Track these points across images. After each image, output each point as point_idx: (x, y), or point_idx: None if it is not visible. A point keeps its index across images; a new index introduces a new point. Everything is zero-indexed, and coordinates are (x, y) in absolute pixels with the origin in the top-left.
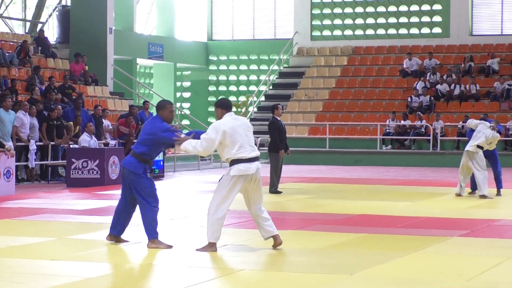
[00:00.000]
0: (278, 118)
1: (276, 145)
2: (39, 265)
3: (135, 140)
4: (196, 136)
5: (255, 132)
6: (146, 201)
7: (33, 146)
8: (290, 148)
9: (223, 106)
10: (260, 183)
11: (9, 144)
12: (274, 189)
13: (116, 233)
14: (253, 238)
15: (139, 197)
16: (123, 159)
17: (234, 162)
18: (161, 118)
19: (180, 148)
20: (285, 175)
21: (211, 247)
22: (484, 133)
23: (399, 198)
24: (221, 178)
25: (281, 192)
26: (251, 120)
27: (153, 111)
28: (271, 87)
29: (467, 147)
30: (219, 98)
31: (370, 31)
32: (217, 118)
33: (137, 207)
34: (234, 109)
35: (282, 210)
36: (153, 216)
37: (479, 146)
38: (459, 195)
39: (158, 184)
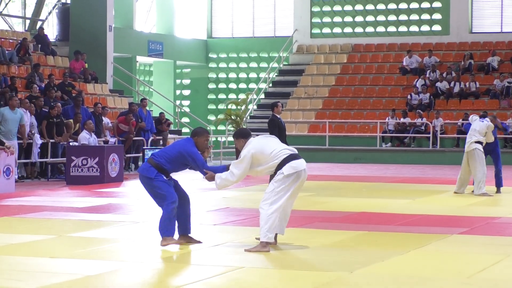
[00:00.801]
0: (278, 116)
1: None
2: (38, 263)
3: (135, 138)
4: (219, 171)
5: (255, 130)
6: (164, 202)
7: (38, 140)
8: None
9: (244, 136)
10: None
11: (13, 143)
12: None
13: (183, 232)
14: (252, 235)
15: (155, 200)
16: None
17: (282, 164)
18: (195, 143)
19: (216, 187)
20: None
21: (264, 247)
22: (475, 129)
23: (399, 196)
24: (271, 184)
25: None
26: (251, 118)
27: (153, 109)
28: (270, 85)
29: (465, 149)
30: (238, 129)
31: (369, 29)
32: (239, 148)
33: (188, 198)
34: (231, 105)
35: None
36: (170, 216)
37: (477, 142)
38: (457, 193)
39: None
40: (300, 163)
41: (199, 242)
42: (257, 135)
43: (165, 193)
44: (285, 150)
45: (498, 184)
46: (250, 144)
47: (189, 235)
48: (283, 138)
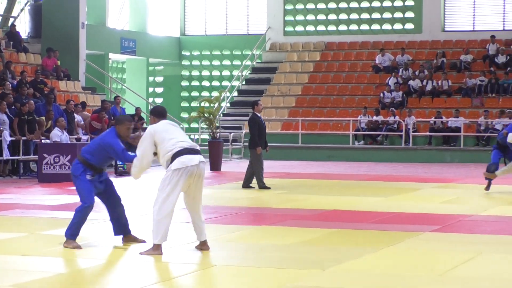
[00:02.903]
0: (259, 114)
1: (255, 142)
2: (10, 261)
3: None
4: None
5: (228, 128)
6: (82, 201)
7: (7, 137)
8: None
9: (156, 114)
10: (203, 181)
11: None
12: (261, 185)
13: (123, 233)
14: (225, 233)
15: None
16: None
17: (174, 157)
18: (117, 132)
19: (133, 177)
20: None
21: (155, 250)
22: None
23: (372, 194)
24: (161, 180)
25: (269, 187)
26: (224, 115)
27: (125, 106)
28: (244, 83)
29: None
30: (155, 106)
31: (343, 27)
32: None
33: (119, 199)
34: (204, 103)
35: (255, 206)
36: (82, 218)
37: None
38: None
39: (132, 179)
40: (191, 159)
41: (143, 241)
42: (230, 133)
43: (82, 194)
44: (182, 142)
45: None
46: (156, 125)
47: (131, 235)
48: (263, 137)
